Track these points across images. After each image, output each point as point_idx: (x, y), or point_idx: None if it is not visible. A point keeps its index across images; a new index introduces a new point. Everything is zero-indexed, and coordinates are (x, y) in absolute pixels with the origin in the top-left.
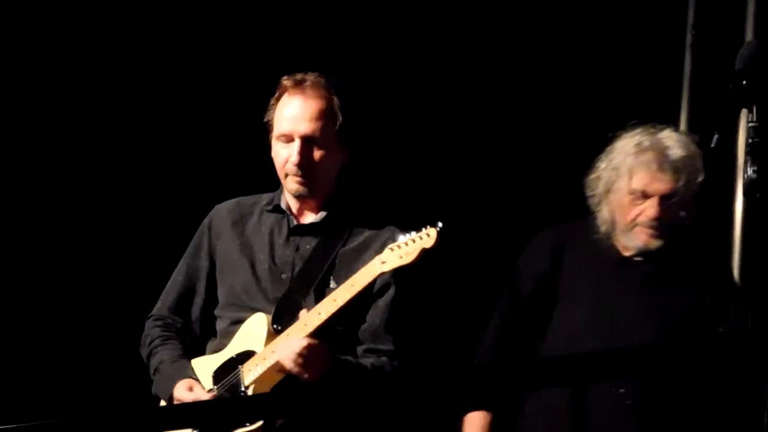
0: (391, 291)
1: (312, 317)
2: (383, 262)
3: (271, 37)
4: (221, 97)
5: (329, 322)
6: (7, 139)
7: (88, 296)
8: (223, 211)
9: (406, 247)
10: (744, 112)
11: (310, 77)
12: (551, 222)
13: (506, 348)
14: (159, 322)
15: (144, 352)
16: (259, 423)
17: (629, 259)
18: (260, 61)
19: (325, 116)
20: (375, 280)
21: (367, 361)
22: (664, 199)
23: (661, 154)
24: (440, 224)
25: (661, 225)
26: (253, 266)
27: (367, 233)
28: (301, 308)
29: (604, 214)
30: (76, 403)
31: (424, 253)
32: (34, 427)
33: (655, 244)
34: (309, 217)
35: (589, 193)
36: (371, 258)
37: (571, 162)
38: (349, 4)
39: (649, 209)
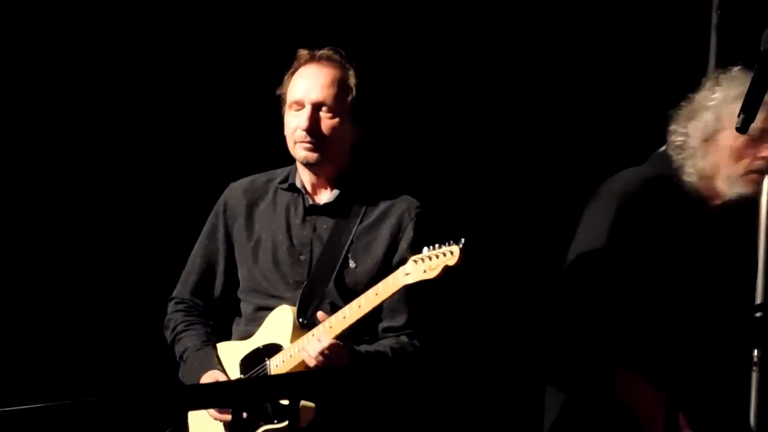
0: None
1: (338, 321)
2: (407, 274)
3: (284, 15)
4: (230, 74)
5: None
6: (7, 132)
7: (105, 279)
8: (237, 191)
9: (429, 262)
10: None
11: (327, 50)
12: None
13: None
14: (181, 306)
15: (168, 336)
16: (284, 423)
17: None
18: (271, 39)
19: (338, 86)
20: (399, 261)
21: (387, 343)
22: None
23: None
24: (463, 241)
25: None
26: (271, 249)
27: (381, 207)
28: (324, 297)
29: (701, 165)
30: (96, 387)
31: (447, 269)
32: (59, 407)
33: (755, 191)
34: (323, 196)
35: (675, 146)
36: (387, 232)
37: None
38: None
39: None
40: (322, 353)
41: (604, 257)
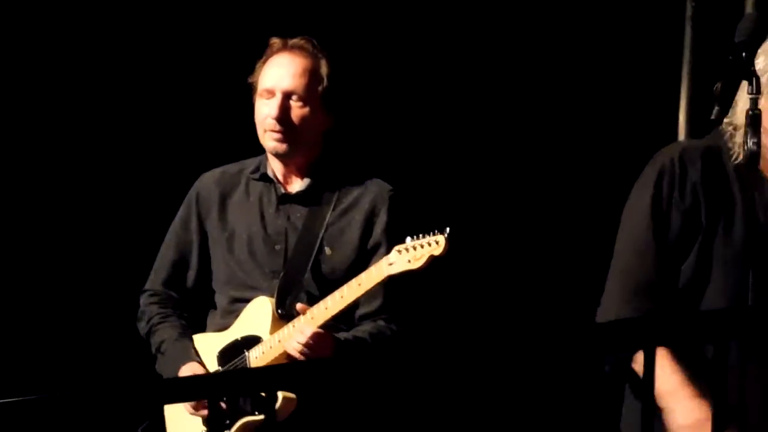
0: (382, 250)
1: (320, 311)
2: (391, 264)
3: (257, 4)
4: (200, 65)
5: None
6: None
7: (74, 272)
8: (209, 182)
9: (414, 252)
10: (744, 84)
11: (300, 40)
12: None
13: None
14: (155, 298)
15: (143, 329)
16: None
17: None
18: (242, 27)
19: (309, 75)
20: (374, 245)
21: (365, 329)
22: None
23: None
24: (448, 230)
25: None
26: (246, 239)
27: (354, 192)
28: (301, 287)
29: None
30: (70, 380)
31: (433, 259)
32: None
33: None
34: (296, 185)
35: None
36: (361, 217)
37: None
38: None
39: None
40: (306, 344)
41: (647, 234)
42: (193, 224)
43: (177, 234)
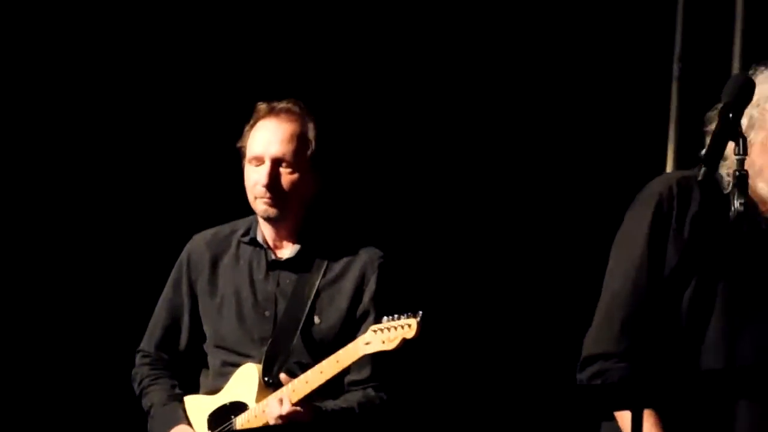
0: (371, 319)
1: (301, 384)
2: (367, 344)
3: (249, 62)
4: (195, 125)
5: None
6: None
7: (73, 327)
8: (200, 243)
9: (388, 333)
10: (731, 145)
11: (287, 103)
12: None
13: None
14: (147, 359)
15: (135, 389)
16: None
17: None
18: (239, 87)
19: (297, 140)
20: (362, 313)
21: (354, 398)
22: None
23: None
24: (420, 313)
25: None
26: (235, 305)
27: (344, 259)
28: (289, 354)
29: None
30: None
31: (405, 342)
32: None
33: None
34: (286, 250)
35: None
36: (351, 285)
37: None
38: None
39: None
40: (287, 417)
41: (642, 261)
42: (184, 287)
43: (168, 297)
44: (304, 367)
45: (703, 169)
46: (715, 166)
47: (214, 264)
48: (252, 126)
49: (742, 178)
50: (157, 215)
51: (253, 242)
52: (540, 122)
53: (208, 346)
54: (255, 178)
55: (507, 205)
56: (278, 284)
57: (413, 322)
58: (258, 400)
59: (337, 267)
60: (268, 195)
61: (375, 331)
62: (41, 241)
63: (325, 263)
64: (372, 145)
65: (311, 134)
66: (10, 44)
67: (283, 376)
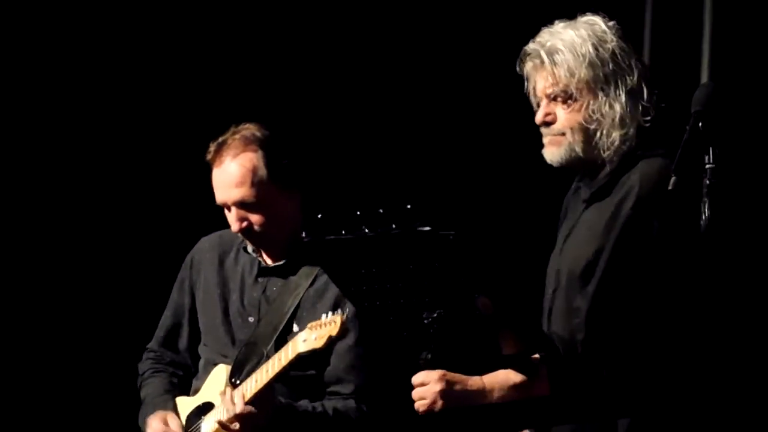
0: (352, 335)
1: (251, 384)
2: (304, 341)
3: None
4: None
5: (295, 368)
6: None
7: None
8: (205, 246)
9: (318, 331)
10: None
11: (231, 138)
12: None
13: None
14: (151, 354)
15: (138, 382)
16: None
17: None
18: (243, 90)
19: (250, 176)
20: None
21: (331, 405)
22: None
23: None
24: (347, 311)
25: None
26: (225, 308)
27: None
28: (262, 358)
29: None
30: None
31: (331, 340)
32: None
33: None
34: (277, 258)
35: None
36: (332, 296)
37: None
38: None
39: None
40: (235, 415)
41: None
42: (186, 287)
43: (174, 296)
44: None
45: (673, 179)
46: (686, 175)
47: (215, 266)
48: (210, 169)
49: (712, 187)
50: (166, 217)
51: (247, 250)
52: (515, 126)
53: (200, 346)
54: (230, 221)
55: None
56: (264, 290)
57: (338, 319)
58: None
59: (325, 277)
60: (247, 236)
61: (311, 328)
62: (50, 243)
63: (315, 272)
64: (369, 145)
65: (261, 163)
66: (10, 45)
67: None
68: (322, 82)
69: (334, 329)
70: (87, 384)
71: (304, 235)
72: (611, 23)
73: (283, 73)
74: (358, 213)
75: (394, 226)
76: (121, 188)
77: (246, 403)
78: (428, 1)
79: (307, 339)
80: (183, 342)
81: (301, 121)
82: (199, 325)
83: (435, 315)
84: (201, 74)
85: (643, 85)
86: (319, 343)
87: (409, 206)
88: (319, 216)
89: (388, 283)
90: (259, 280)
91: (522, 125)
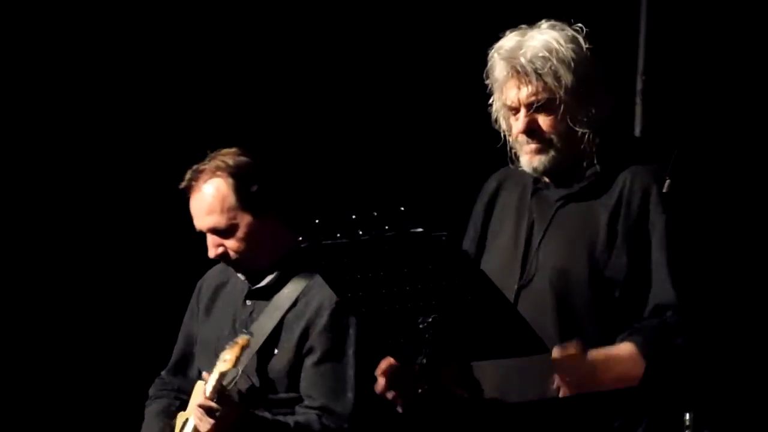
0: (318, 352)
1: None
2: (224, 361)
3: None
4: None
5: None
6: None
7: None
8: (212, 274)
9: (229, 350)
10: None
11: (204, 165)
12: None
13: None
14: (158, 381)
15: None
16: None
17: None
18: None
19: (219, 203)
20: (308, 349)
21: (294, 417)
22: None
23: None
24: (251, 332)
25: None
26: (216, 329)
27: (314, 290)
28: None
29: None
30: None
31: (237, 359)
32: None
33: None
34: (264, 280)
35: None
36: (306, 319)
37: None
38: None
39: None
40: (198, 405)
41: None
42: (194, 315)
43: (185, 322)
44: (255, 390)
45: (668, 181)
46: (679, 179)
47: (216, 293)
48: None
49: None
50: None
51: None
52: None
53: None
54: (208, 247)
55: None
56: (252, 313)
57: (243, 339)
58: None
59: (306, 299)
60: (226, 262)
61: (228, 347)
62: (66, 251)
63: (301, 289)
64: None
65: (230, 190)
66: (10, 45)
67: (204, 373)
68: (313, 85)
69: (236, 348)
70: (95, 392)
71: (300, 240)
72: (577, 25)
73: (276, 77)
74: (354, 217)
75: (387, 228)
76: (144, 202)
77: (208, 398)
78: (418, 4)
79: (227, 360)
80: (194, 369)
81: (292, 125)
82: None
83: (430, 320)
84: (211, 85)
85: (607, 85)
86: (228, 365)
87: (402, 208)
88: (317, 221)
89: (383, 288)
90: (247, 303)
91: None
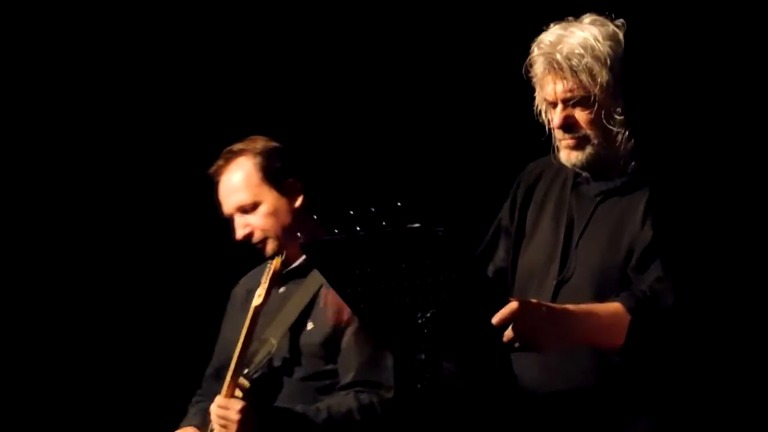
0: (355, 323)
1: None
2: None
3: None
4: None
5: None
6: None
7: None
8: (244, 281)
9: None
10: None
11: (226, 154)
12: None
13: None
14: (199, 389)
15: None
16: None
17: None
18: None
19: (244, 181)
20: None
21: (327, 402)
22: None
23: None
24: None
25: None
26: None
27: None
28: (272, 349)
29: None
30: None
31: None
32: None
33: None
34: (296, 261)
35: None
36: None
37: None
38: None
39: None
40: (220, 416)
41: None
42: (231, 320)
43: (221, 331)
44: (287, 365)
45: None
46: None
47: (249, 294)
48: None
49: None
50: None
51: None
52: (504, 122)
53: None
54: (235, 231)
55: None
56: (286, 292)
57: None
58: None
59: None
60: (252, 243)
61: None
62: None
63: None
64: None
65: (254, 167)
66: (10, 45)
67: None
68: (312, 84)
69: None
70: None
71: (299, 236)
72: (619, 21)
73: (276, 76)
74: (351, 213)
75: (384, 224)
76: (175, 210)
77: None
78: (422, 2)
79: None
80: None
81: (292, 125)
82: None
83: (428, 315)
84: (211, 85)
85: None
86: (258, 301)
87: (399, 203)
88: (315, 217)
89: (382, 283)
90: (281, 290)
91: (510, 122)
